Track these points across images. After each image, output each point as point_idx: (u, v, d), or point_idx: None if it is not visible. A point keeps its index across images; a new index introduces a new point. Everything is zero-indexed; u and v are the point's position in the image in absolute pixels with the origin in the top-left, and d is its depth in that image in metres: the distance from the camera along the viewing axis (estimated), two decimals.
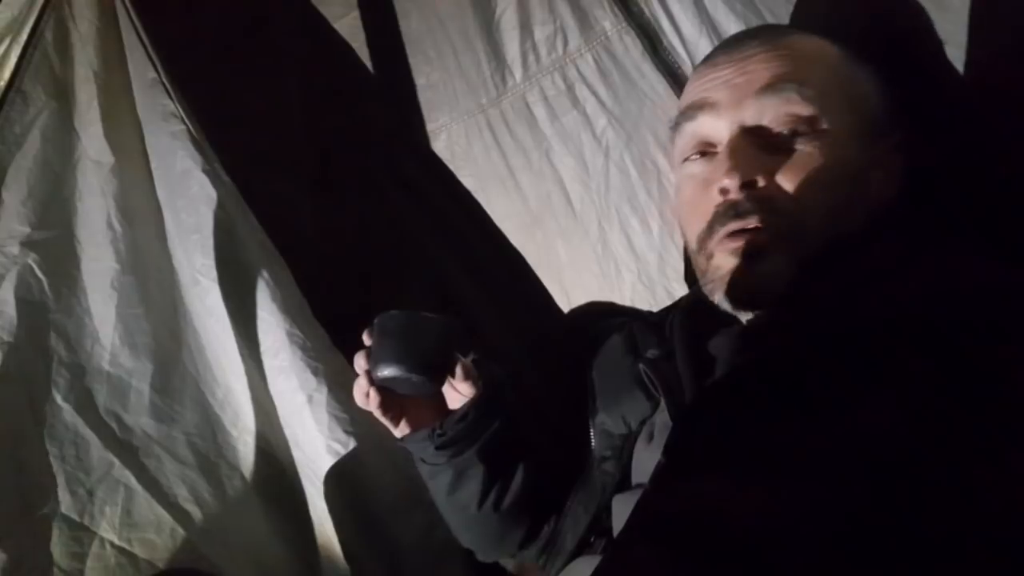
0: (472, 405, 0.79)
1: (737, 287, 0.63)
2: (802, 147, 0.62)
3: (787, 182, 0.62)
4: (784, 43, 0.67)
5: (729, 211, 0.63)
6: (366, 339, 0.77)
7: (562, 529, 0.82)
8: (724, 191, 0.63)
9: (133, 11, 0.95)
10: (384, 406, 0.77)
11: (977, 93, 0.69)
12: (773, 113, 0.63)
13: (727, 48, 0.70)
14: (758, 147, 0.63)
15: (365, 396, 0.76)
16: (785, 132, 0.63)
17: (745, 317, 0.69)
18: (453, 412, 0.80)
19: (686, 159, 0.70)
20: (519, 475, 0.82)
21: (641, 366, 0.75)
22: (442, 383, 0.78)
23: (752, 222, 0.62)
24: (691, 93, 0.70)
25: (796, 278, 0.60)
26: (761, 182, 0.62)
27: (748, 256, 0.62)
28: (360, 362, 0.76)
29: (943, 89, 0.71)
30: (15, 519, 0.77)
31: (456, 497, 0.82)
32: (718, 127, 0.66)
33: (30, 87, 0.88)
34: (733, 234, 0.63)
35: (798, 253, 0.61)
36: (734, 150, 0.63)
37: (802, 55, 0.66)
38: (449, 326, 0.76)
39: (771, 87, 0.63)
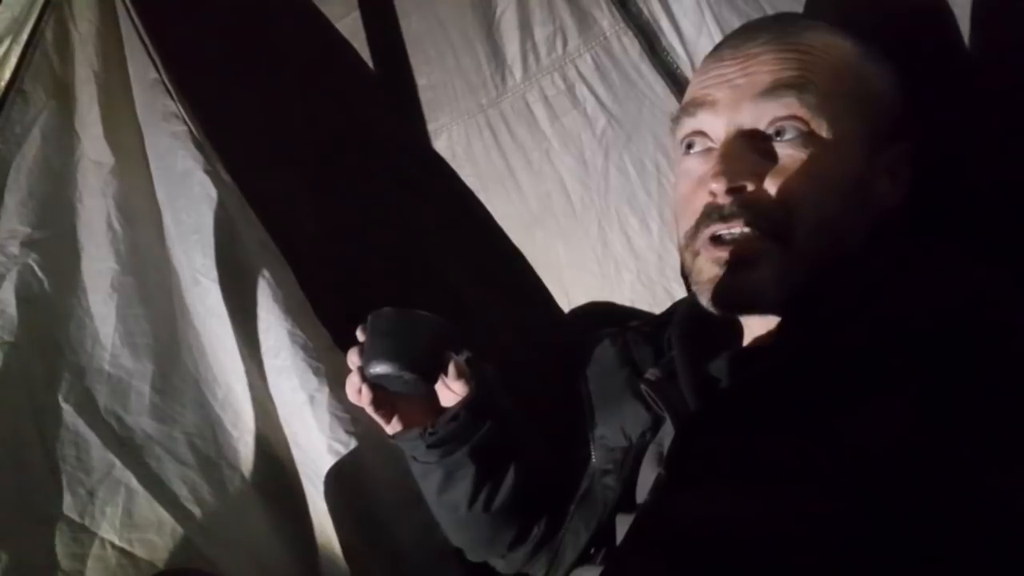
0: (464, 405, 0.79)
1: (722, 294, 0.63)
2: (796, 154, 0.61)
3: (776, 189, 0.61)
4: (793, 41, 0.64)
5: (714, 213, 0.63)
6: (359, 335, 0.77)
7: (562, 544, 0.82)
8: (712, 193, 0.63)
9: (133, 11, 0.94)
10: (376, 403, 0.77)
11: (981, 90, 0.69)
12: (770, 118, 0.62)
13: (734, 42, 0.68)
14: (751, 151, 0.62)
15: (357, 392, 0.76)
16: (781, 138, 0.62)
17: (748, 337, 0.69)
18: (445, 411, 0.80)
19: (685, 154, 0.69)
20: (510, 476, 0.82)
21: (643, 387, 0.74)
22: (435, 382, 0.78)
23: (736, 226, 0.61)
24: (695, 87, 0.70)
25: (786, 285, 0.60)
26: (750, 187, 0.61)
27: (732, 264, 0.62)
28: (353, 358, 0.77)
29: (947, 86, 0.71)
30: (16, 520, 0.77)
31: (446, 497, 0.82)
32: (716, 126, 0.65)
33: (30, 87, 0.88)
34: (718, 240, 0.63)
35: (785, 261, 0.60)
36: (725, 153, 0.63)
37: (810, 55, 0.63)
38: (442, 325, 0.76)
39: (770, 91, 0.62)
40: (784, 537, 0.39)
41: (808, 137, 0.61)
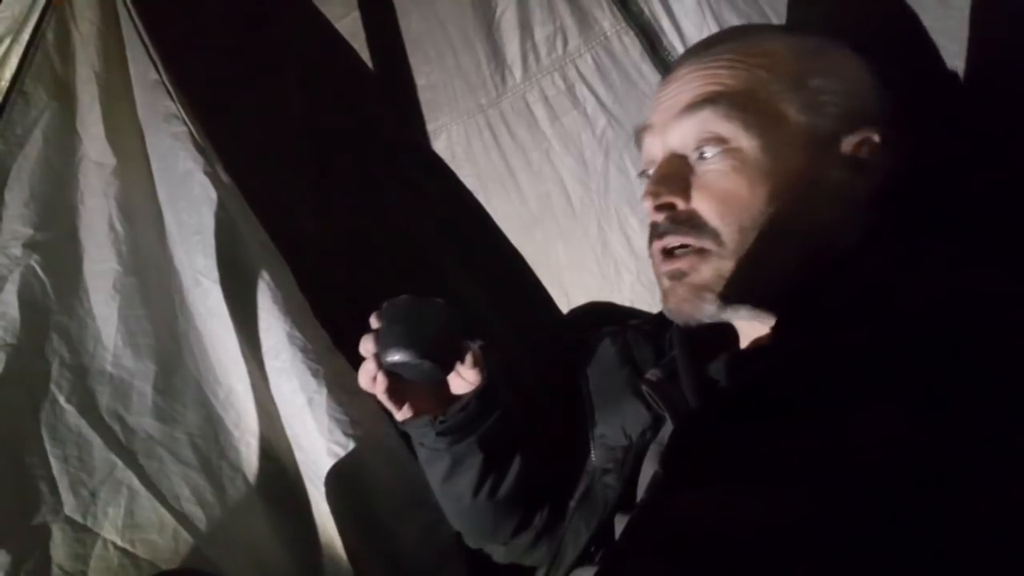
0: (475, 394, 0.79)
1: (673, 306, 0.66)
2: (719, 168, 0.63)
3: (704, 203, 0.63)
4: (717, 56, 0.66)
5: (653, 231, 0.67)
6: (374, 323, 0.77)
7: (563, 543, 0.82)
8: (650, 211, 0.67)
9: (134, 11, 0.94)
10: (389, 390, 0.77)
11: (980, 91, 0.69)
12: (693, 134, 0.64)
13: (675, 64, 0.71)
14: (680, 169, 0.65)
15: (371, 380, 0.76)
16: (705, 153, 0.64)
17: (744, 339, 0.70)
18: (456, 400, 0.80)
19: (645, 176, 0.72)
20: (515, 465, 0.83)
21: (645, 388, 0.75)
22: (451, 370, 0.78)
23: (671, 241, 0.65)
24: (646, 112, 0.73)
25: (734, 290, 0.62)
26: (681, 204, 0.64)
27: (677, 277, 0.65)
28: (369, 346, 0.76)
29: (946, 87, 0.71)
30: (17, 520, 0.77)
31: (452, 484, 0.82)
32: (655, 148, 0.68)
33: (32, 88, 0.88)
34: (667, 256, 0.66)
35: (724, 268, 0.62)
36: (655, 175, 0.66)
37: (732, 68, 0.65)
38: (457, 313, 0.77)
39: (689, 108, 0.65)
40: (781, 536, 0.39)
41: (728, 151, 0.63)
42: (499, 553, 0.90)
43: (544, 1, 1.17)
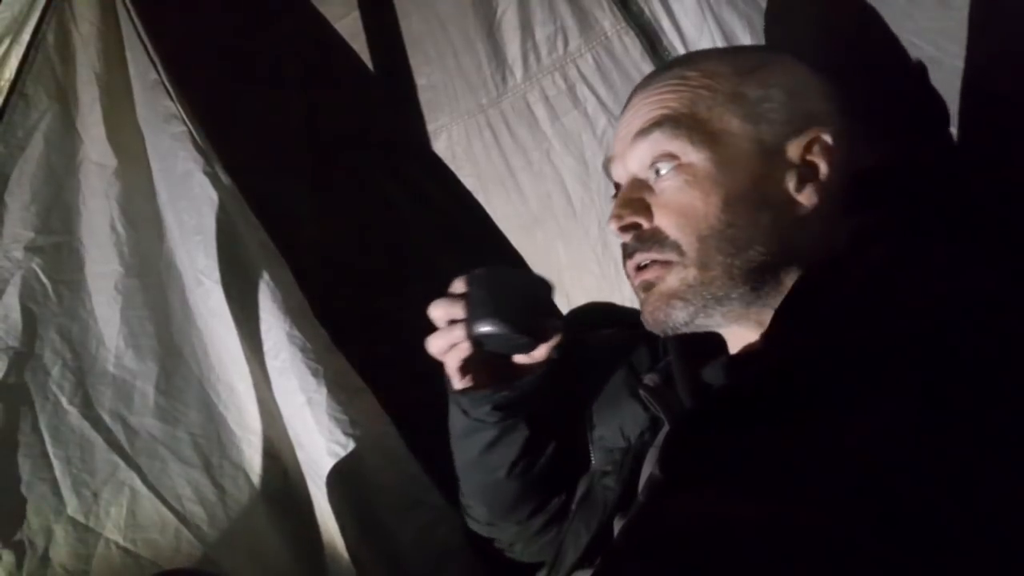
0: (542, 372, 0.78)
1: (649, 317, 0.68)
2: (674, 184, 0.66)
3: (663, 217, 0.67)
4: (662, 81, 0.70)
5: (624, 251, 0.70)
6: (460, 288, 0.74)
7: (564, 544, 0.82)
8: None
9: (134, 11, 0.95)
10: (467, 360, 0.75)
11: (980, 91, 0.69)
12: (648, 156, 0.68)
13: (627, 99, 0.74)
14: (641, 191, 0.69)
15: (448, 347, 0.74)
16: (660, 170, 0.67)
17: (733, 344, 0.70)
18: (516, 374, 0.78)
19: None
20: (551, 448, 0.82)
21: (642, 392, 0.75)
22: (537, 346, 0.74)
23: (640, 259, 0.68)
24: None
25: (700, 298, 0.65)
26: (645, 223, 0.67)
27: (647, 288, 0.68)
28: (456, 311, 0.72)
29: (943, 87, 0.71)
30: (20, 521, 0.78)
31: (490, 456, 0.81)
32: (620, 175, 0.72)
33: (32, 90, 0.88)
34: (638, 271, 0.69)
35: (688, 276, 0.65)
36: (618, 199, 0.70)
37: (676, 91, 0.68)
38: (549, 287, 0.75)
39: (641, 133, 0.68)
40: (779, 537, 0.39)
41: (680, 167, 0.66)
42: (508, 533, 0.88)
43: (545, 1, 1.17)
